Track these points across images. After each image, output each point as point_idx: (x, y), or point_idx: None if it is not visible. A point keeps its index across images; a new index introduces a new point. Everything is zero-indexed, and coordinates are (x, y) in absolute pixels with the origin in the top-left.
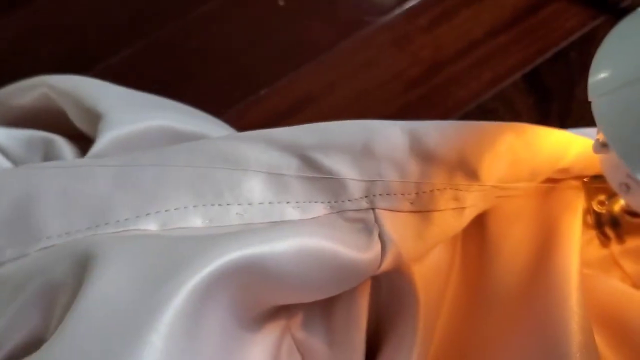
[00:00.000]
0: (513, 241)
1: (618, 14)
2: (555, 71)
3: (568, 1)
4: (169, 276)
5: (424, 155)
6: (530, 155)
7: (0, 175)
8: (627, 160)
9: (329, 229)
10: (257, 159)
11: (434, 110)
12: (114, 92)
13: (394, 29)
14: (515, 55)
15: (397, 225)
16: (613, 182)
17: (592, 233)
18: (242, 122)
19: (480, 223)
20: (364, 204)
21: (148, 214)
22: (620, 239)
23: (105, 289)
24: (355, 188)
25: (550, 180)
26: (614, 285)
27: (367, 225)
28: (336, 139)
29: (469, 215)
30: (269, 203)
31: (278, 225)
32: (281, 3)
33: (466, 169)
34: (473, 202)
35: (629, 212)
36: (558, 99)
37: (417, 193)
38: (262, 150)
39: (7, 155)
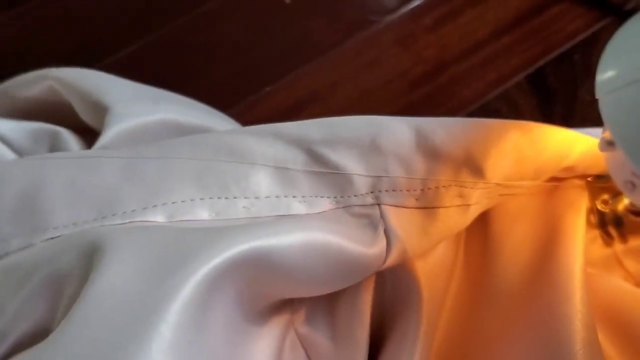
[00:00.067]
0: (516, 239)
1: (622, 16)
2: (559, 72)
3: (572, 3)
4: (176, 267)
5: (430, 152)
6: (535, 153)
7: (7, 166)
8: (632, 158)
9: (335, 223)
10: (263, 152)
11: (438, 110)
12: (120, 85)
13: (398, 28)
14: (520, 56)
15: (402, 221)
16: (618, 180)
17: (596, 232)
18: (244, 120)
19: (483, 221)
20: (370, 199)
21: (155, 206)
22: (624, 238)
23: (113, 279)
24: (362, 183)
25: (554, 179)
26: (617, 284)
27: (373, 220)
28: (343, 134)
29: (473, 212)
30: (276, 197)
31: (284, 219)
32: (287, 1)
33: (472, 166)
34: (478, 199)
35: (633, 211)
36: (561, 100)
37: (422, 189)
38: (269, 144)
39: (12, 147)
